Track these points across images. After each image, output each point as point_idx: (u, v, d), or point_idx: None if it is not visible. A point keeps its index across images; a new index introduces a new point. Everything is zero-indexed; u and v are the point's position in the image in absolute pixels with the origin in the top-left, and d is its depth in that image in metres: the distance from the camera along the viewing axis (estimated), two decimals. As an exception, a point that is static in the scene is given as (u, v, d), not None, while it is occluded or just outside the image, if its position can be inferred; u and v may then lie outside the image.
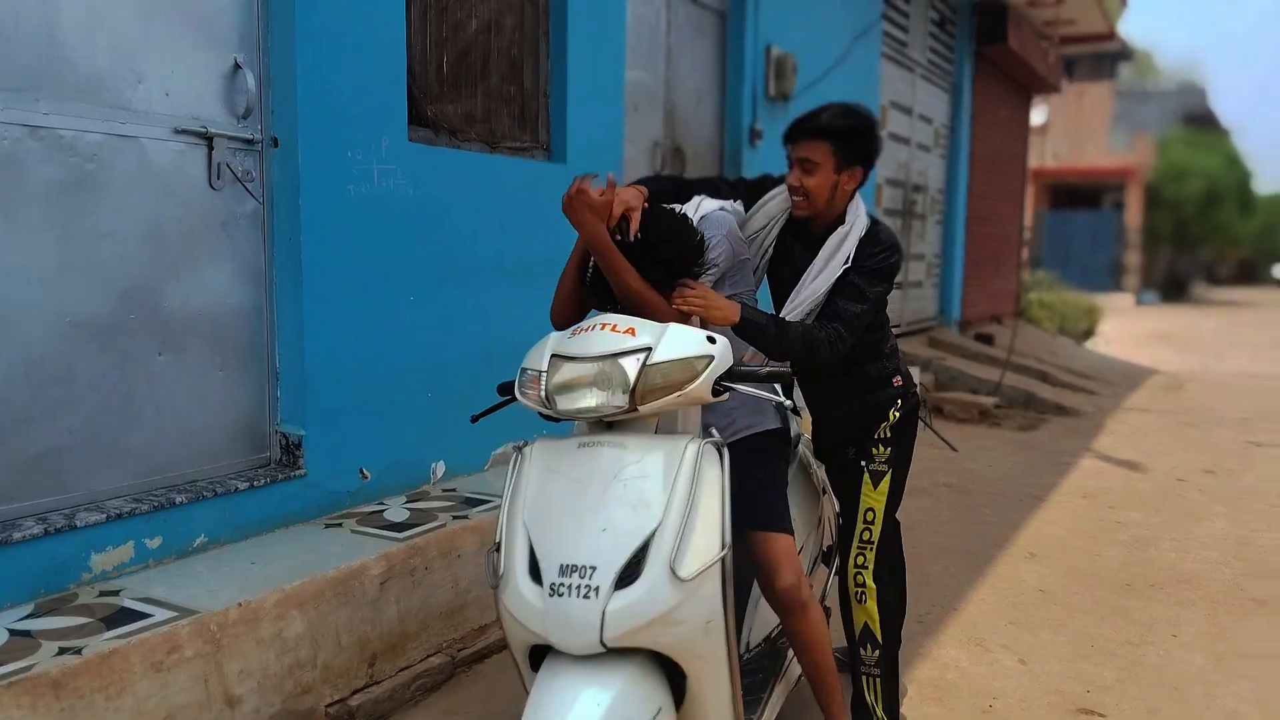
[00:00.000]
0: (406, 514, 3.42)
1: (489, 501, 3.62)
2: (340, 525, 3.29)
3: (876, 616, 2.75)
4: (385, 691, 2.95)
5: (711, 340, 2.12)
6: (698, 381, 2.05)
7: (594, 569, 1.87)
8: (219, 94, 3.12)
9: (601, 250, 2.30)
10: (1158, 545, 4.88)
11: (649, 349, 2.05)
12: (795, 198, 2.61)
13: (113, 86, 2.83)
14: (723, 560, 1.96)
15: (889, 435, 2.76)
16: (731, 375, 2.11)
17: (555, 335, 2.23)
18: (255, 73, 3.19)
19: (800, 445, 2.99)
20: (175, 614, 2.50)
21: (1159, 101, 39.50)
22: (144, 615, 2.49)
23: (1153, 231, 33.76)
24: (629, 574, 1.87)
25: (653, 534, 1.91)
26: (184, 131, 3.00)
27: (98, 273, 2.80)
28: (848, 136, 2.54)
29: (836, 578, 2.97)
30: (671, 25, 5.48)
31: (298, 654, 2.72)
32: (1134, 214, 32.77)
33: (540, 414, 2.20)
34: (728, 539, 1.98)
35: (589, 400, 2.06)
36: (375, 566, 2.98)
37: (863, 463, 2.77)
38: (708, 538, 1.96)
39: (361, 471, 3.52)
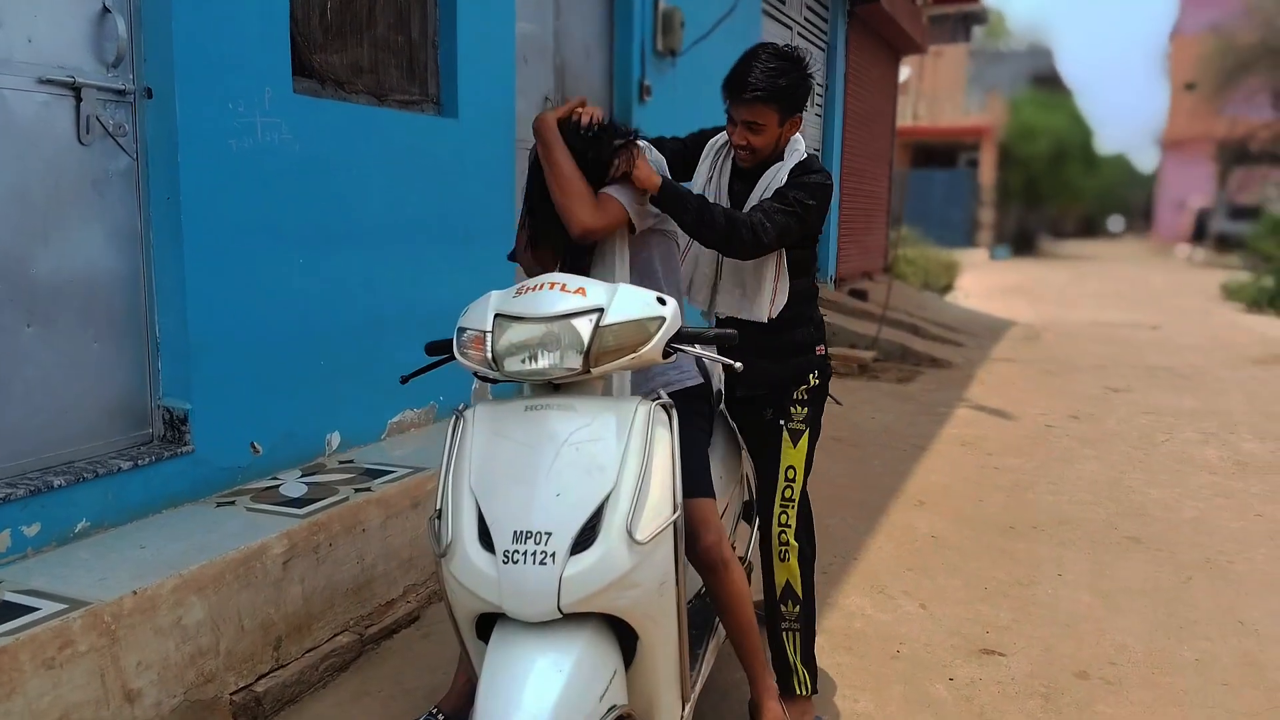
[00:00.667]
0: (304, 488, 3.26)
1: (390, 472, 3.48)
2: (234, 503, 3.11)
3: (798, 573, 2.77)
4: (292, 675, 2.82)
5: (662, 301, 2.07)
6: (650, 343, 2.02)
7: (549, 534, 1.82)
8: (87, 40, 2.85)
9: (546, 139, 2.34)
10: (1035, 489, 5.11)
11: (601, 310, 2.00)
12: (741, 153, 2.65)
13: (-39, 28, 2.55)
14: (674, 522, 1.93)
15: (805, 396, 2.79)
16: (680, 337, 2.08)
17: (497, 294, 2.14)
18: (126, 17, 2.93)
19: (721, 401, 2.98)
20: (64, 606, 2.31)
21: (1010, 63, 41.15)
22: (29, 609, 2.29)
23: (1004, 189, 35.27)
24: (584, 539, 1.83)
25: (607, 498, 1.86)
26: (48, 82, 2.73)
27: (-47, 236, 2.54)
28: (789, 94, 2.54)
29: (758, 533, 2.98)
30: (558, -24, 5.33)
31: (199, 642, 2.56)
32: (987, 172, 34.14)
33: (480, 375, 2.12)
34: (679, 499, 1.97)
35: (541, 362, 2.00)
36: (277, 545, 2.83)
37: (781, 421, 2.78)
38: (661, 499, 1.93)
39: (253, 445, 3.33)
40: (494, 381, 2.07)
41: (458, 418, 2.11)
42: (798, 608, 2.78)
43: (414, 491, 3.38)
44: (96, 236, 2.91)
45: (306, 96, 3.52)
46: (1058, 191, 39.57)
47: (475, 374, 2.12)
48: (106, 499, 2.84)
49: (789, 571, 2.77)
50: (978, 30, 16.93)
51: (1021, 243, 35.99)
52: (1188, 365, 9.48)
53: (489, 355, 2.04)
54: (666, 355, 2.08)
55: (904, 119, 28.85)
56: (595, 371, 2.00)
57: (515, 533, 1.83)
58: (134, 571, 2.55)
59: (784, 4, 8.98)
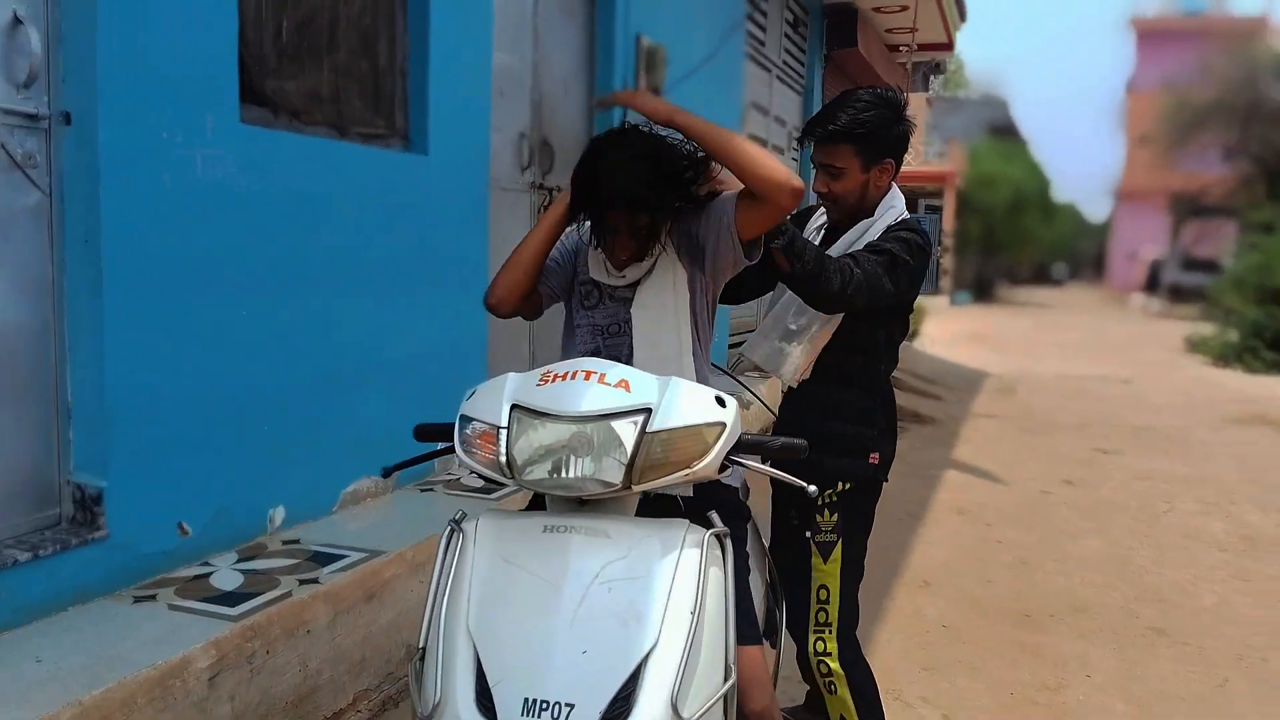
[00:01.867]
0: (239, 579, 2.79)
1: (342, 557, 3.02)
2: (154, 597, 2.63)
3: (852, 705, 2.37)
4: (216, 816, 2.34)
5: (721, 403, 1.67)
6: (708, 457, 1.62)
7: (571, 708, 1.41)
8: (-11, 52, 2.41)
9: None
10: (1043, 568, 4.74)
11: (649, 410, 1.61)
12: (825, 203, 2.39)
13: None
14: (725, 695, 1.53)
15: (834, 499, 2.40)
16: (740, 446, 1.69)
17: (515, 378, 1.74)
18: (41, 31, 2.49)
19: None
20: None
21: (966, 111, 41.62)
22: None
23: (964, 236, 35.48)
24: (616, 712, 1.42)
25: (646, 658, 1.46)
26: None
27: None
28: (871, 135, 2.27)
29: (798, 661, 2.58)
30: (540, 4, 4.96)
31: (98, 786, 2.08)
32: (948, 219, 34.33)
33: (486, 478, 1.72)
34: (733, 660, 1.58)
35: (571, 472, 1.61)
36: (202, 658, 2.35)
37: (808, 533, 2.40)
38: (713, 661, 1.55)
39: (180, 526, 2.85)
40: (499, 484, 1.67)
41: (454, 531, 1.68)
42: (844, 688, 2.40)
43: (368, 582, 2.92)
44: (-3, 284, 2.45)
45: (256, 127, 3.08)
46: (1015, 239, 39.92)
47: (481, 477, 1.72)
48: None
49: (842, 706, 2.38)
50: (934, 80, 16.88)
51: (980, 289, 36.17)
52: (1170, 425, 9.25)
53: (502, 459, 1.64)
54: (722, 470, 1.67)
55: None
56: (637, 488, 1.61)
57: (526, 701, 1.42)
58: (23, 696, 2.07)
59: (764, 46, 8.71)
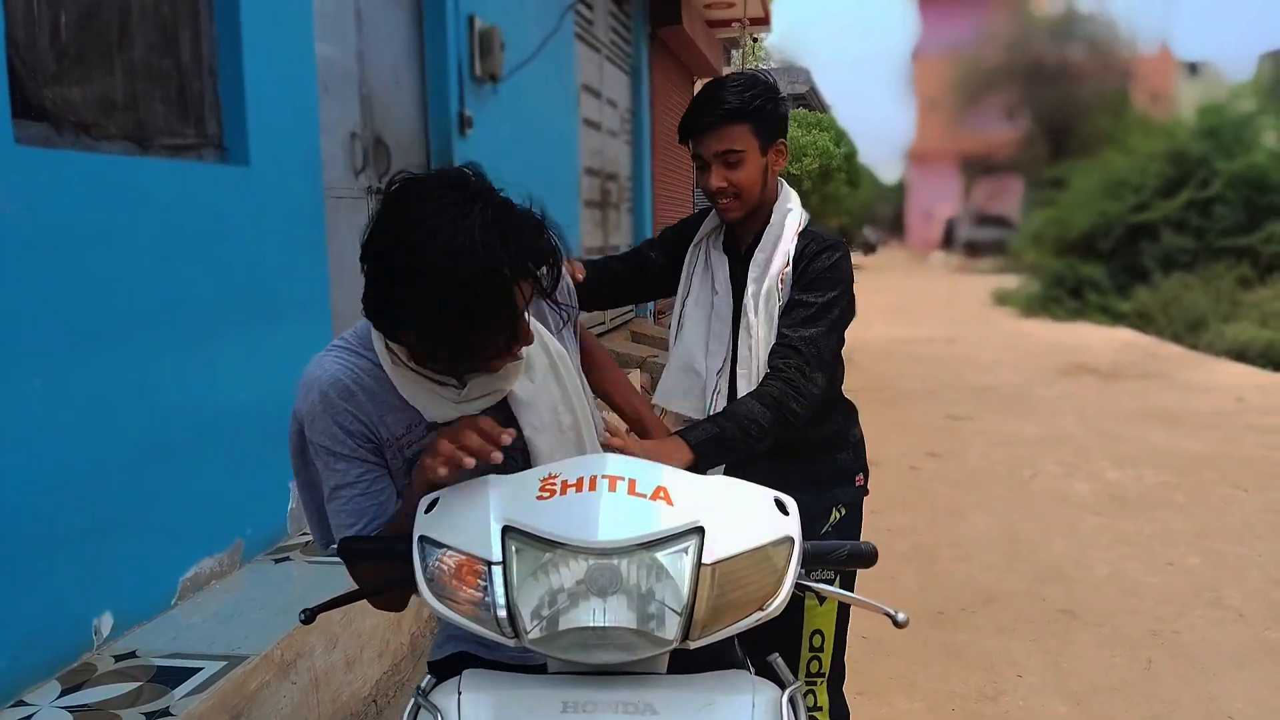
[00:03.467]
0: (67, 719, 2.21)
1: (194, 671, 2.46)
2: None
3: None
4: None
5: (782, 508, 1.27)
6: (782, 591, 1.21)
7: None
8: None
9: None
10: (939, 556, 4.63)
11: (701, 530, 1.17)
12: (723, 201, 2.04)
13: None
14: None
15: (830, 533, 2.11)
16: (804, 559, 1.29)
17: (499, 484, 1.28)
18: None
19: None
20: None
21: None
22: None
23: (776, 206, 36.28)
24: None
25: None
26: None
27: None
28: (763, 111, 2.01)
29: None
30: (357, -14, 4.40)
31: None
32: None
33: (484, 637, 1.23)
34: None
35: (596, 619, 1.14)
36: None
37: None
38: None
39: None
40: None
41: (419, 708, 1.22)
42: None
43: (231, 700, 2.39)
44: None
45: (34, 148, 2.46)
46: (825, 207, 41.22)
47: (466, 630, 1.23)
48: None
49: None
50: (735, 53, 16.93)
51: (793, 257, 37.02)
52: (1007, 384, 9.54)
53: (501, 611, 1.17)
54: (798, 592, 1.28)
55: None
56: (696, 645, 1.19)
57: None
58: None
59: (592, 25, 8.31)
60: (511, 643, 1.19)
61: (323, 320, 3.72)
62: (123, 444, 2.69)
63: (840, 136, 39.92)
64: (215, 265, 3.10)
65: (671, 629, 1.16)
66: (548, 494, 1.22)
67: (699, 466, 1.88)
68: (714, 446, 1.85)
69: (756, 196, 2.05)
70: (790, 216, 2.08)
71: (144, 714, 2.24)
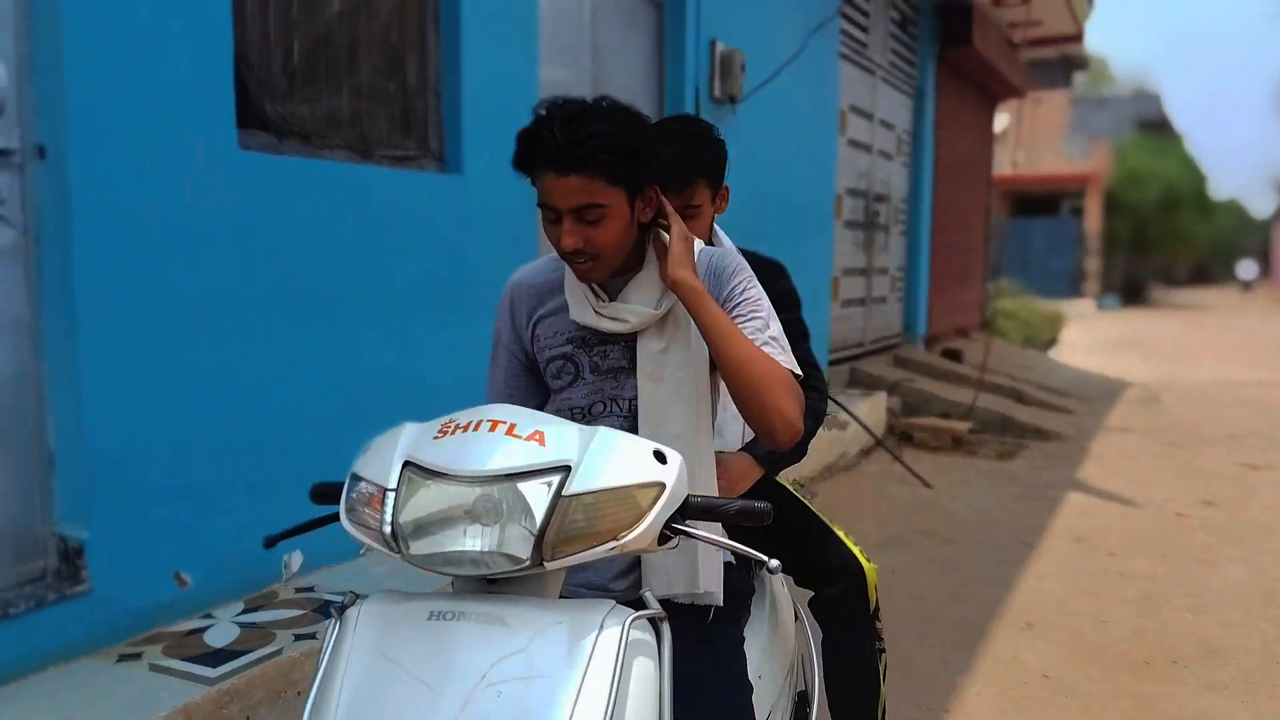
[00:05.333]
0: (235, 632, 2.62)
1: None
2: (139, 656, 2.48)
3: None
4: None
5: (661, 458, 1.37)
6: (641, 526, 1.32)
7: None
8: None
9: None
10: (1171, 604, 4.17)
11: (567, 468, 1.32)
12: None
13: None
14: None
15: None
16: (686, 511, 1.39)
17: (412, 429, 1.46)
18: (11, 63, 2.40)
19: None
20: None
21: (1114, 108, 39.50)
22: None
23: (1111, 237, 33.57)
24: None
25: None
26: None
27: None
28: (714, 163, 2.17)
29: None
30: (598, 14, 4.74)
31: None
32: (1093, 220, 32.54)
33: (382, 550, 1.41)
34: None
35: (467, 544, 1.31)
36: (167, 727, 2.18)
37: None
38: None
39: (178, 576, 2.71)
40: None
41: (336, 619, 1.40)
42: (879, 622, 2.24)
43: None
44: (-34, 328, 2.35)
45: (258, 153, 2.94)
46: (1168, 239, 37.56)
47: (374, 549, 1.43)
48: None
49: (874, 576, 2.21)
50: (1079, 76, 15.90)
51: (1130, 292, 34.10)
52: (1338, 435, 8.29)
53: (387, 529, 1.35)
54: (663, 541, 1.37)
55: (1002, 167, 27.74)
56: (551, 566, 1.31)
57: None
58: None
59: (865, 47, 8.27)
60: (399, 558, 1.35)
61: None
62: (323, 404, 3.11)
63: (1188, 165, 36.22)
64: (423, 260, 3.50)
65: (524, 549, 1.29)
66: (442, 434, 1.38)
67: (770, 473, 1.99)
68: (775, 456, 2.00)
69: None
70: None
71: (295, 635, 2.60)
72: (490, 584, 1.39)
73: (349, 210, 3.21)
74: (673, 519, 1.37)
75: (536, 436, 1.35)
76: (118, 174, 2.53)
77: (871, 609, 2.17)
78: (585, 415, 1.76)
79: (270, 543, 1.59)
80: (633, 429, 1.74)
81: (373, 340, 3.29)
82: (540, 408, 1.82)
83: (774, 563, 1.37)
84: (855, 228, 8.47)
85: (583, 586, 1.71)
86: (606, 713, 1.23)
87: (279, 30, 3.07)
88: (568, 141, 1.54)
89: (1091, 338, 18.34)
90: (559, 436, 1.36)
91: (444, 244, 3.61)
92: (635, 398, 1.74)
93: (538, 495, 1.29)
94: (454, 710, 1.23)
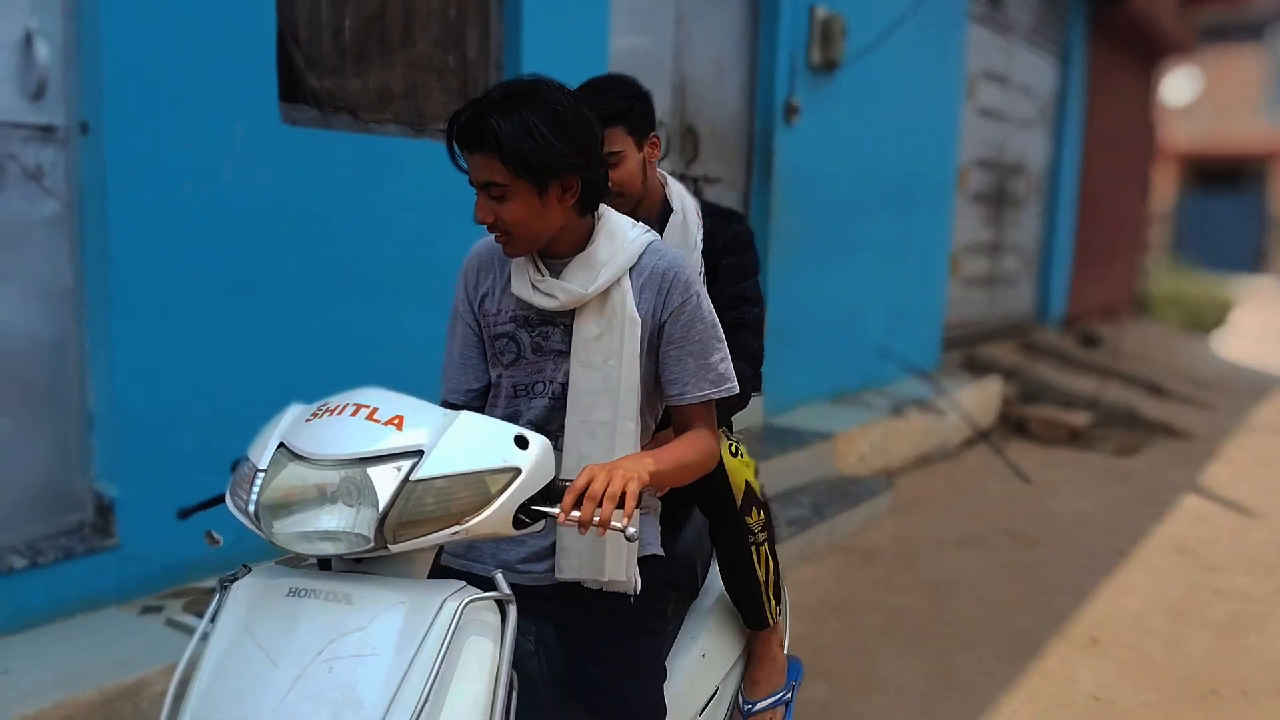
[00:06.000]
0: (254, 593, 2.74)
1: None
2: (161, 609, 2.64)
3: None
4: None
5: (522, 443, 1.41)
6: (488, 510, 1.36)
7: None
8: (2, 66, 2.47)
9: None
10: (1262, 629, 3.85)
11: (420, 453, 1.36)
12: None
13: None
14: None
15: None
16: (550, 495, 1.43)
17: (294, 411, 1.53)
18: (56, 42, 2.53)
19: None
20: None
21: (1320, 69, 36.05)
22: None
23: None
24: None
25: None
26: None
27: None
28: (629, 109, 2.10)
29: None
30: (684, -19, 4.64)
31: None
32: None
33: (253, 529, 1.48)
34: None
35: (321, 523, 1.37)
36: (160, 680, 2.31)
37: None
38: None
39: (209, 535, 2.84)
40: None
41: (222, 592, 1.47)
42: (763, 513, 2.16)
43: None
44: (11, 294, 2.52)
45: (302, 128, 3.02)
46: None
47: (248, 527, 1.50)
48: (-6, 602, 2.44)
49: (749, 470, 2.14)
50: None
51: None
52: None
53: (251, 508, 1.43)
54: (523, 525, 1.41)
55: (1179, 136, 25.67)
56: (396, 548, 1.35)
57: None
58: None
59: (1000, 7, 7.80)
60: (264, 536, 1.40)
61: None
62: (357, 380, 3.19)
63: None
64: (474, 236, 3.53)
65: (365, 530, 1.33)
66: (314, 417, 1.43)
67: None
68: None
69: (639, 189, 2.13)
70: (687, 202, 2.21)
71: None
72: (357, 563, 1.43)
73: (397, 184, 3.26)
74: (535, 503, 1.40)
75: (395, 421, 1.39)
76: (155, 149, 2.64)
77: (739, 502, 2.08)
78: (528, 393, 1.78)
79: (184, 514, 1.66)
80: (561, 410, 1.75)
81: (415, 317, 3.34)
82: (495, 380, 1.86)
83: (631, 530, 1.40)
84: (983, 201, 8.07)
85: (504, 569, 1.71)
86: (423, 692, 1.26)
87: (331, 5, 3.12)
88: (469, 120, 1.59)
89: (1265, 322, 16.95)
90: (418, 421, 1.39)
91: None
92: (566, 381, 1.75)
93: (385, 479, 1.33)
94: (286, 684, 1.28)
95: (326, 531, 1.36)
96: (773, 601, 2.18)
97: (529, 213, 1.62)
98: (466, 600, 1.35)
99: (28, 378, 2.57)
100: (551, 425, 1.74)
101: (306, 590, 1.36)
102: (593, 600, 1.72)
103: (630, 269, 1.72)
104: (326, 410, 1.43)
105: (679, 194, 2.21)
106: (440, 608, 1.33)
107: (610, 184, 2.03)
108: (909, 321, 6.72)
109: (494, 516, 1.36)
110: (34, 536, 2.58)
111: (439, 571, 1.66)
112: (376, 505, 1.33)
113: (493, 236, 1.75)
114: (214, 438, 2.83)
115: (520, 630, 1.65)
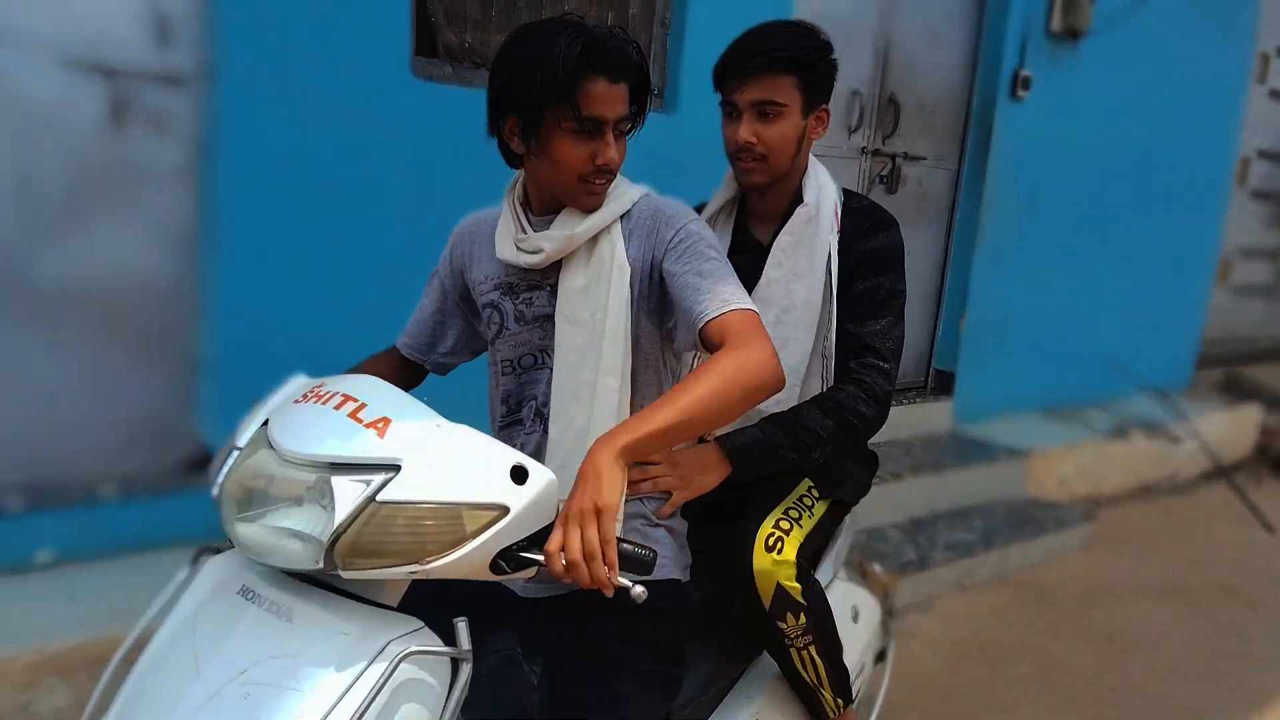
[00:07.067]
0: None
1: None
2: (243, 554, 2.68)
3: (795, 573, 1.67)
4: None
5: (519, 476, 1.18)
6: (456, 553, 1.15)
7: None
8: (129, 14, 2.53)
9: None
10: None
11: (396, 468, 1.16)
12: (748, 163, 1.83)
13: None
14: None
15: None
16: (536, 541, 1.22)
17: (295, 384, 1.39)
18: (192, -13, 2.57)
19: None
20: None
21: None
22: None
23: None
24: None
25: None
26: (78, 61, 2.44)
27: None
28: (813, 65, 1.80)
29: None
30: (897, -62, 4.20)
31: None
32: None
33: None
34: None
35: (277, 520, 1.21)
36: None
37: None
38: None
39: (304, 485, 2.88)
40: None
41: (186, 567, 1.38)
42: (802, 616, 1.69)
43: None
44: (131, 237, 2.60)
45: (432, 83, 2.94)
46: None
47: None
48: (83, 529, 2.55)
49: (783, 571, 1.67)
50: None
51: None
52: None
53: (215, 491, 1.31)
54: (501, 571, 1.20)
55: None
56: (347, 575, 1.17)
57: None
58: (18, 628, 2.20)
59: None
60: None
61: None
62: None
63: None
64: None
65: (312, 551, 1.15)
66: (304, 399, 1.27)
67: (740, 475, 1.65)
68: (753, 454, 1.68)
69: (786, 163, 1.82)
70: (825, 195, 1.80)
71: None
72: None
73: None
74: (527, 547, 1.20)
75: (378, 425, 1.20)
76: (278, 97, 2.64)
77: (768, 606, 1.67)
78: (515, 368, 1.62)
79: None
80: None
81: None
82: (453, 350, 1.81)
83: (637, 590, 1.21)
84: (1267, 199, 6.95)
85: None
86: None
87: (478, -43, 3.02)
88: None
89: None
90: (404, 429, 1.20)
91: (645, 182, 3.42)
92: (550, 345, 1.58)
93: (347, 493, 1.14)
94: (200, 701, 1.14)
95: (285, 529, 1.20)
96: (831, 699, 1.82)
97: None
98: (404, 654, 1.14)
99: (145, 317, 2.66)
100: (538, 394, 1.60)
101: (254, 594, 1.22)
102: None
103: (621, 216, 1.55)
104: (316, 394, 1.27)
105: (819, 184, 1.85)
106: (376, 656, 1.14)
107: (757, 139, 1.80)
108: (1153, 332, 5.90)
109: (464, 561, 1.15)
110: (131, 471, 2.68)
111: None
112: (331, 524, 1.14)
113: (493, 209, 1.65)
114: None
115: (525, 659, 1.51)
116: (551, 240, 1.52)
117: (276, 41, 2.62)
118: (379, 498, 1.14)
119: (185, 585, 1.33)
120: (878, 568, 2.08)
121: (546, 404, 1.57)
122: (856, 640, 1.96)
